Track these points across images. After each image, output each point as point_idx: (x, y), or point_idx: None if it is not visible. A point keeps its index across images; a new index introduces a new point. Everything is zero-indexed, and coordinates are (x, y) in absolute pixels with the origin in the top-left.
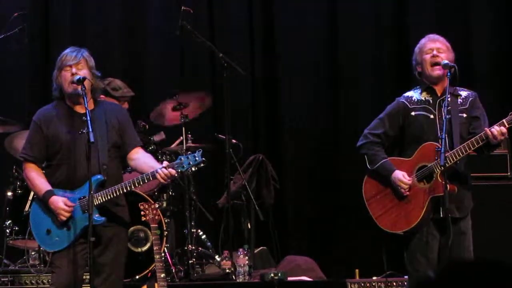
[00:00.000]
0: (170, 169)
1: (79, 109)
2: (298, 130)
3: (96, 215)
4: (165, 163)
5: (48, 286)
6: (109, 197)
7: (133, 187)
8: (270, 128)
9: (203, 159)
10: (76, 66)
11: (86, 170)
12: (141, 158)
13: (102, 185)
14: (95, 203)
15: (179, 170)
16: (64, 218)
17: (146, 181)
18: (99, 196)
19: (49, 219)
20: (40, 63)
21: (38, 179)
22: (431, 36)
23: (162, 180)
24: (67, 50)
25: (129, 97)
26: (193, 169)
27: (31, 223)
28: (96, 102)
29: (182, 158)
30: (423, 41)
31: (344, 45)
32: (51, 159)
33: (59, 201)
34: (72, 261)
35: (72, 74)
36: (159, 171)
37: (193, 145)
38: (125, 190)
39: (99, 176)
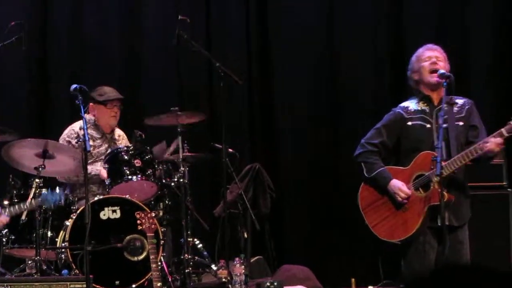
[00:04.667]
0: None
1: None
2: (295, 140)
3: None
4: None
5: None
6: None
7: None
8: (267, 137)
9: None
10: None
11: None
12: None
13: None
14: None
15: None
16: None
17: None
18: None
19: None
20: (38, 74)
21: None
22: (429, 45)
23: None
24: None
25: (116, 99)
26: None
27: None
28: None
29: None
30: (421, 50)
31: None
32: None
33: None
34: None
35: None
36: None
37: (190, 154)
38: None
39: None
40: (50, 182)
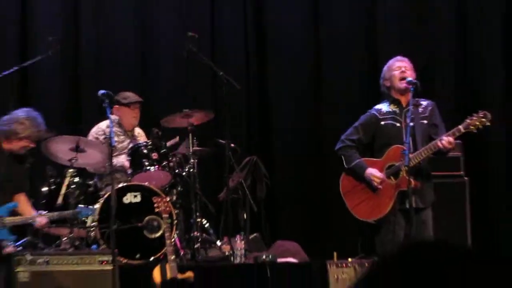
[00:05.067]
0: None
1: None
2: (287, 136)
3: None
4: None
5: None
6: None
7: None
8: (263, 134)
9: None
10: None
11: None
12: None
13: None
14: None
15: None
16: None
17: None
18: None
19: None
20: (70, 81)
21: None
22: (399, 57)
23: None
24: None
25: (136, 102)
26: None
27: None
28: None
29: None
30: (391, 61)
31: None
32: None
33: None
34: None
35: None
36: None
37: (199, 148)
38: None
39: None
40: (82, 172)
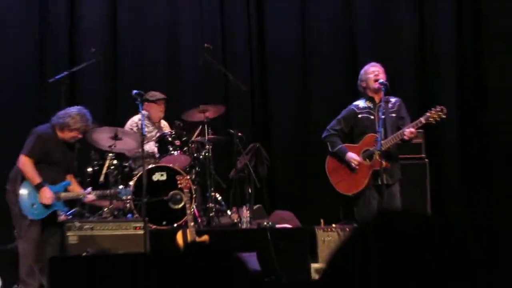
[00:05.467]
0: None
1: None
2: (284, 127)
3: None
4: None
5: (111, 231)
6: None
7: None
8: (264, 125)
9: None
10: None
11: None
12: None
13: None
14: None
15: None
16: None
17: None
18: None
19: (36, 198)
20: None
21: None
22: (373, 63)
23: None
24: None
25: (162, 99)
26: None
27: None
28: None
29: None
30: (367, 66)
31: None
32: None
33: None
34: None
35: None
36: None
37: (213, 136)
38: None
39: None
40: (119, 156)
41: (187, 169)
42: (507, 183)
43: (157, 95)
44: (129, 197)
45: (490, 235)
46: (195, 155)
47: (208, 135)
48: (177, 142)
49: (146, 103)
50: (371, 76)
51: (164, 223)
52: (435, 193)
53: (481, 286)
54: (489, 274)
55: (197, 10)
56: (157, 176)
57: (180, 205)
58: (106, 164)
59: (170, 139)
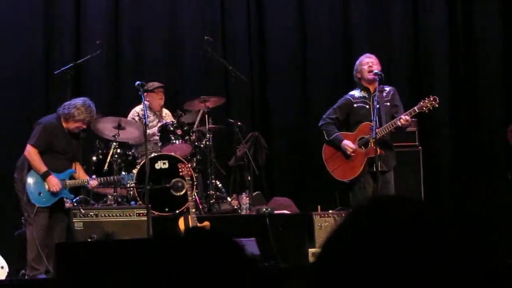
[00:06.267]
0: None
1: None
2: (283, 116)
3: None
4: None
5: (116, 217)
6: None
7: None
8: (263, 115)
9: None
10: None
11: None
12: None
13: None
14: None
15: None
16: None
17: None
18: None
19: (43, 186)
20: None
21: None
22: (367, 54)
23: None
24: None
25: (159, 87)
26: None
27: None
28: None
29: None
30: (362, 57)
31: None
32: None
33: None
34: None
35: None
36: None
37: (213, 126)
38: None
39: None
40: (123, 144)
41: (189, 157)
42: (499, 170)
43: (154, 84)
44: (132, 183)
45: (481, 221)
46: (196, 144)
47: (208, 124)
48: (179, 131)
49: (146, 93)
50: (366, 67)
51: (166, 209)
52: (428, 179)
53: (474, 270)
54: (481, 259)
55: (197, 2)
56: (159, 165)
57: (182, 192)
58: (110, 153)
59: (172, 128)
